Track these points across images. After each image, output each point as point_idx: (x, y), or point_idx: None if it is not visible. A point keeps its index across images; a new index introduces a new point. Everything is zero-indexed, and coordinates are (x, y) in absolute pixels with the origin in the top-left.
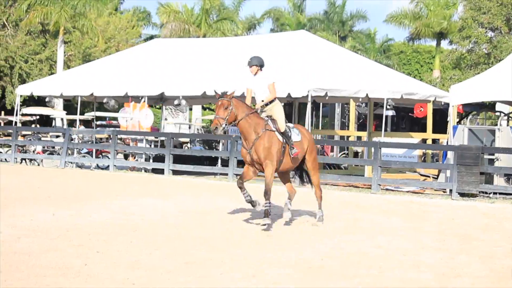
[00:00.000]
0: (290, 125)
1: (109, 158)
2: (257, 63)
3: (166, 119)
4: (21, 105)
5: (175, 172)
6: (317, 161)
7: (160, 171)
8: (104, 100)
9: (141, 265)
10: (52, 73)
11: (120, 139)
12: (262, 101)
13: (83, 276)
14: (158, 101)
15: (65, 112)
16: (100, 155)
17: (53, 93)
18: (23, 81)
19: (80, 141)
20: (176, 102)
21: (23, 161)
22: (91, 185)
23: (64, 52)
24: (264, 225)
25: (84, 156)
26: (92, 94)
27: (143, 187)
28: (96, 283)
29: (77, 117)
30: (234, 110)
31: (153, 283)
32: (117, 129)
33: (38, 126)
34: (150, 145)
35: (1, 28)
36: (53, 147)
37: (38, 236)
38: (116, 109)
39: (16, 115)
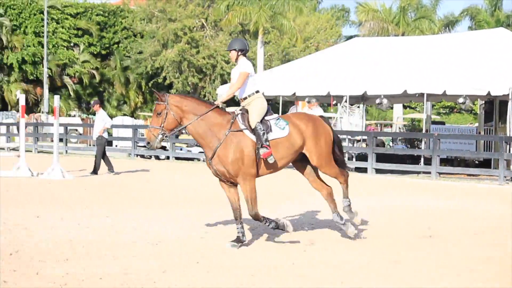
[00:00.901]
0: (275, 116)
1: None
2: (237, 47)
3: (341, 117)
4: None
5: (378, 171)
6: (326, 155)
7: (363, 170)
8: (306, 99)
9: (350, 263)
10: None
11: None
12: (221, 98)
13: (292, 275)
14: (359, 100)
15: None
16: None
17: None
18: (223, 82)
19: None
20: (377, 101)
21: None
22: (286, 184)
23: (264, 53)
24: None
25: None
26: (294, 94)
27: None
28: (305, 282)
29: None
30: (173, 114)
31: (362, 282)
32: None
33: None
34: (353, 144)
35: (200, 29)
36: None
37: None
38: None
39: None
